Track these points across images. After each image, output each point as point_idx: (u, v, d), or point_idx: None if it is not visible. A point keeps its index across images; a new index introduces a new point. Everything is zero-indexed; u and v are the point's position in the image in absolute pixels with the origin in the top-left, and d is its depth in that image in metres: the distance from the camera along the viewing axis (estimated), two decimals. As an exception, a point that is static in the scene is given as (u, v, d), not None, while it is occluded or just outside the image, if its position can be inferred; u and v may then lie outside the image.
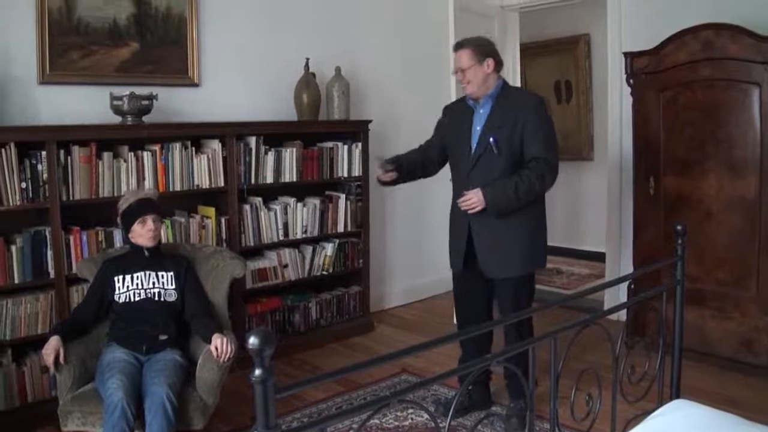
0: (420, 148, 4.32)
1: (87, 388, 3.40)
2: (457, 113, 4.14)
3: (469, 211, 3.84)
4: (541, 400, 3.67)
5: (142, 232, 3.62)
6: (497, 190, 3.76)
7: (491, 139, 3.80)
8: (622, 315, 5.22)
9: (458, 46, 3.97)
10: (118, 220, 3.74)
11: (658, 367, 3.21)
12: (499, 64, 3.95)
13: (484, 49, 3.92)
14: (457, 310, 4.49)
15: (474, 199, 3.79)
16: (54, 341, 3.32)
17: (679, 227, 3.24)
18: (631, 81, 5.06)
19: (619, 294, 5.58)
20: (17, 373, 4.01)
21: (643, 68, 4.97)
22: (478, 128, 3.92)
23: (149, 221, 3.61)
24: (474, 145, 3.92)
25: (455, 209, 4.10)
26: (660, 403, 2.97)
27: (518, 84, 6.79)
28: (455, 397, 2.40)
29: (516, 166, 3.81)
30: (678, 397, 3.19)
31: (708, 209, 4.72)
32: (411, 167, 4.17)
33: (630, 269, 5.27)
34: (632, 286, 5.06)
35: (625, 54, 5.12)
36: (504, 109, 3.86)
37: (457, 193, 4.03)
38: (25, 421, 3.98)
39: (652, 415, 2.65)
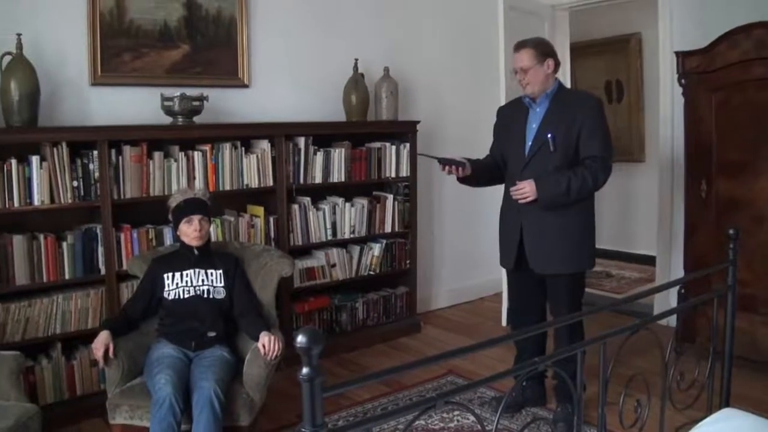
0: (487, 155, 4.32)
1: (135, 382, 3.45)
2: (512, 112, 4.15)
3: (520, 201, 3.85)
4: (588, 405, 3.65)
5: (188, 232, 3.65)
6: (550, 182, 3.78)
7: (549, 135, 3.81)
8: (672, 320, 5.16)
9: (519, 46, 3.96)
10: (170, 216, 3.78)
11: (708, 374, 3.16)
12: (557, 65, 3.96)
13: (544, 49, 3.94)
14: (511, 309, 4.50)
15: (526, 189, 3.81)
16: (104, 336, 3.37)
17: (731, 231, 3.19)
18: (683, 81, 4.98)
19: (670, 298, 5.51)
20: (67, 366, 4.10)
21: (695, 68, 4.88)
22: (534, 126, 3.93)
23: (195, 221, 3.65)
24: (529, 143, 3.93)
25: (506, 207, 4.14)
26: (709, 412, 2.92)
27: (568, 83, 6.74)
28: (508, 393, 2.39)
29: (569, 165, 3.83)
30: (727, 405, 3.14)
31: (761, 213, 4.62)
32: (480, 170, 4.13)
33: (681, 273, 5.19)
34: (683, 291, 4.98)
35: (677, 53, 5.03)
36: (561, 107, 3.87)
37: (508, 191, 4.04)
38: (74, 413, 4.08)
39: (701, 423, 2.61)
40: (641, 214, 8.18)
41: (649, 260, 6.81)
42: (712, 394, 3.18)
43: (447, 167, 3.97)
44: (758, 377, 4.53)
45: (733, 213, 4.73)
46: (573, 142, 3.82)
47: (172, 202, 3.73)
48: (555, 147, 3.81)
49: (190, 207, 3.67)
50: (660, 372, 2.89)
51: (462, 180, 4.09)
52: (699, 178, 4.93)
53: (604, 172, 3.81)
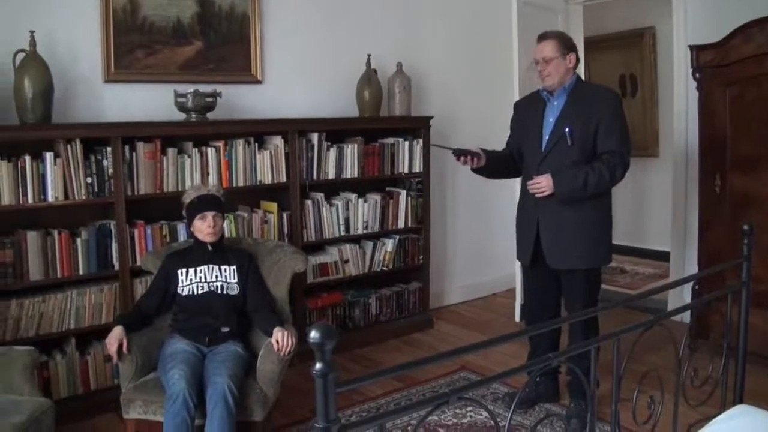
0: (504, 148, 4.30)
1: (149, 377, 3.47)
2: (529, 106, 4.13)
3: (537, 195, 3.84)
4: (602, 402, 3.65)
5: (202, 228, 3.67)
6: (567, 177, 3.77)
7: (567, 129, 3.79)
8: (686, 317, 5.14)
9: (543, 37, 3.94)
10: (184, 212, 3.79)
11: (722, 371, 3.15)
12: (577, 61, 3.95)
13: (567, 43, 3.92)
14: (526, 304, 4.49)
15: (543, 183, 3.79)
16: (117, 331, 3.39)
17: (745, 227, 3.17)
18: (697, 75, 4.96)
19: (684, 295, 5.49)
20: (81, 361, 4.13)
21: (709, 62, 4.86)
22: (552, 120, 3.91)
23: (209, 218, 3.66)
24: (546, 137, 3.91)
25: (523, 202, 4.13)
26: (723, 408, 2.91)
27: (582, 78, 6.71)
28: (521, 389, 2.39)
29: (587, 159, 3.81)
30: (741, 402, 3.12)
31: (775, 208, 4.61)
32: (495, 161, 4.11)
33: (695, 269, 5.17)
34: (697, 287, 4.97)
35: (691, 47, 5.01)
36: (579, 101, 3.86)
37: (526, 185, 4.03)
38: (88, 408, 4.10)
39: (715, 420, 2.60)
40: (655, 209, 8.16)
41: (663, 256, 6.78)
42: (725, 391, 3.17)
43: (462, 157, 3.96)
44: (773, 374, 4.51)
45: (748, 208, 4.71)
46: (591, 136, 3.80)
47: (186, 199, 3.75)
48: (572, 141, 3.79)
49: (204, 203, 3.68)
50: (673, 368, 2.88)
51: (476, 170, 4.09)
52: (713, 173, 4.90)
53: (621, 168, 3.80)
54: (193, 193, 3.74)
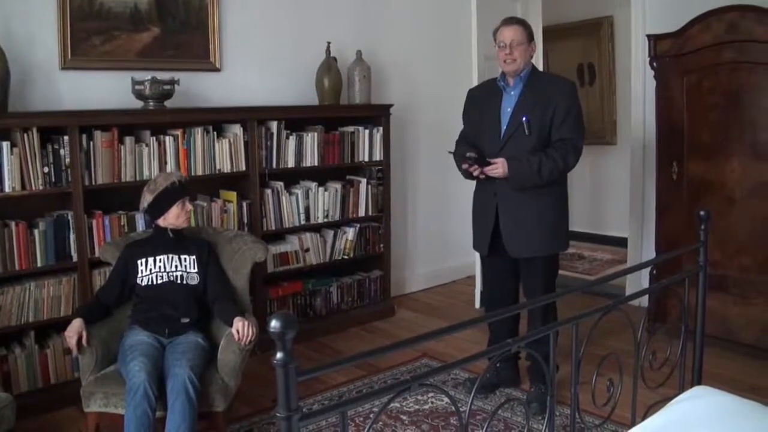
0: (462, 140, 4.22)
1: (109, 369, 3.44)
2: (484, 95, 4.14)
3: (489, 173, 3.80)
4: (562, 385, 3.69)
5: (180, 214, 3.64)
6: (521, 163, 3.78)
7: (524, 119, 3.81)
8: (644, 301, 5.21)
9: (511, 21, 3.97)
10: (147, 201, 3.64)
11: (680, 353, 3.20)
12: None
13: (530, 31, 3.97)
14: (485, 291, 4.51)
15: (499, 170, 3.78)
16: (77, 324, 3.34)
17: (702, 213, 3.22)
18: (655, 64, 5.01)
19: (641, 280, 5.55)
20: (40, 354, 4.07)
21: (667, 51, 4.91)
22: (509, 109, 3.93)
23: (187, 203, 3.66)
24: (504, 126, 3.93)
25: (480, 192, 4.14)
26: (681, 390, 2.95)
27: (540, 67, 6.75)
28: (482, 375, 2.41)
29: (544, 147, 3.83)
30: (699, 383, 3.18)
31: (731, 194, 4.68)
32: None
33: (652, 254, 5.24)
34: (654, 272, 5.03)
35: (649, 36, 5.06)
36: (536, 91, 3.88)
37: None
38: (49, 402, 4.04)
39: (673, 401, 2.64)
40: (613, 196, 8.24)
41: (621, 242, 6.86)
42: (684, 373, 3.22)
43: (471, 166, 3.88)
44: (729, 356, 4.60)
45: (704, 194, 4.78)
46: (547, 125, 3.84)
47: (159, 186, 3.64)
48: (530, 130, 3.81)
49: (183, 189, 3.66)
50: (632, 352, 2.92)
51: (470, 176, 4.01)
52: (670, 160, 4.97)
53: (574, 154, 3.83)
54: (167, 180, 3.66)
